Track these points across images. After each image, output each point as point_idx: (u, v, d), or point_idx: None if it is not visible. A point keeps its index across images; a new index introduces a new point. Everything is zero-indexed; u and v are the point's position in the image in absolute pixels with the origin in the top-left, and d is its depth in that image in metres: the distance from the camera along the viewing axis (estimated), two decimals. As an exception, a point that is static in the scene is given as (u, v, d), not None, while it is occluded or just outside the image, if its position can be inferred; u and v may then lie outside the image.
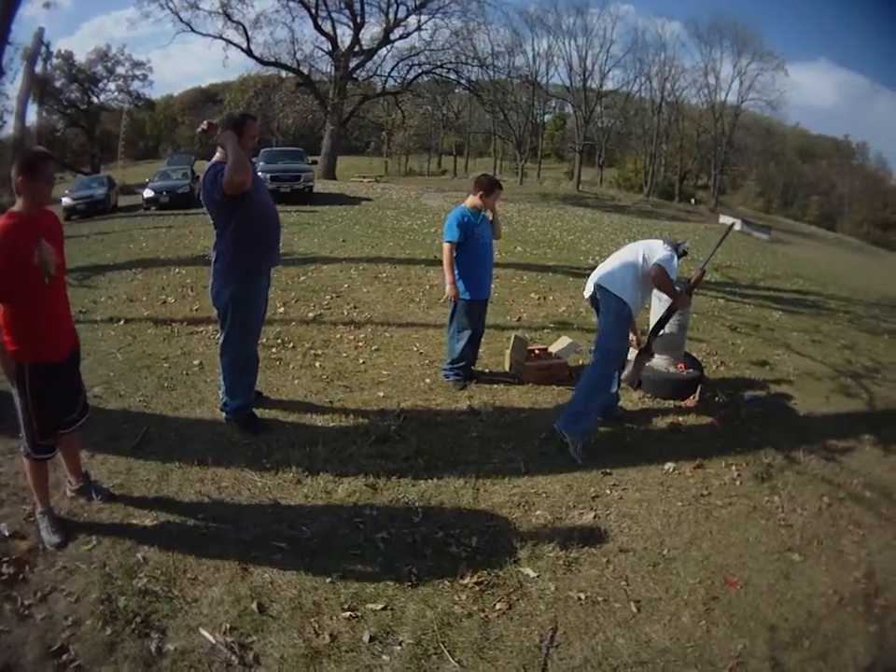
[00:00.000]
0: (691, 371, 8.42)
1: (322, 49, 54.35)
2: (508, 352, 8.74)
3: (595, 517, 5.54)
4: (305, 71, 54.11)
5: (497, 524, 5.34)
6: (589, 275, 7.08)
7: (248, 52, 52.85)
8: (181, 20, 50.84)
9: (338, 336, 9.81)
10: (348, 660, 3.95)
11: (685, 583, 4.84)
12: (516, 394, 8.01)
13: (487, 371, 8.70)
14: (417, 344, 9.58)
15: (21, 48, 21.21)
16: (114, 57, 75.82)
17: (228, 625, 4.08)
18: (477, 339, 8.29)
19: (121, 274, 13.84)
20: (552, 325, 10.96)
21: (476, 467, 6.19)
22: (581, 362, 8.91)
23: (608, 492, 5.96)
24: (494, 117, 77.08)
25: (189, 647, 3.94)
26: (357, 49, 53.89)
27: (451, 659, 4.01)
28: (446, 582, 4.59)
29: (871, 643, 4.46)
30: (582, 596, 4.59)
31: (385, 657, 3.98)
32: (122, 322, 10.09)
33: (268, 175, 28.78)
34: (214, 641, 3.98)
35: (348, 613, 4.25)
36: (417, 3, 53.30)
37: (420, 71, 56.60)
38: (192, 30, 51.85)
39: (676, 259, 6.69)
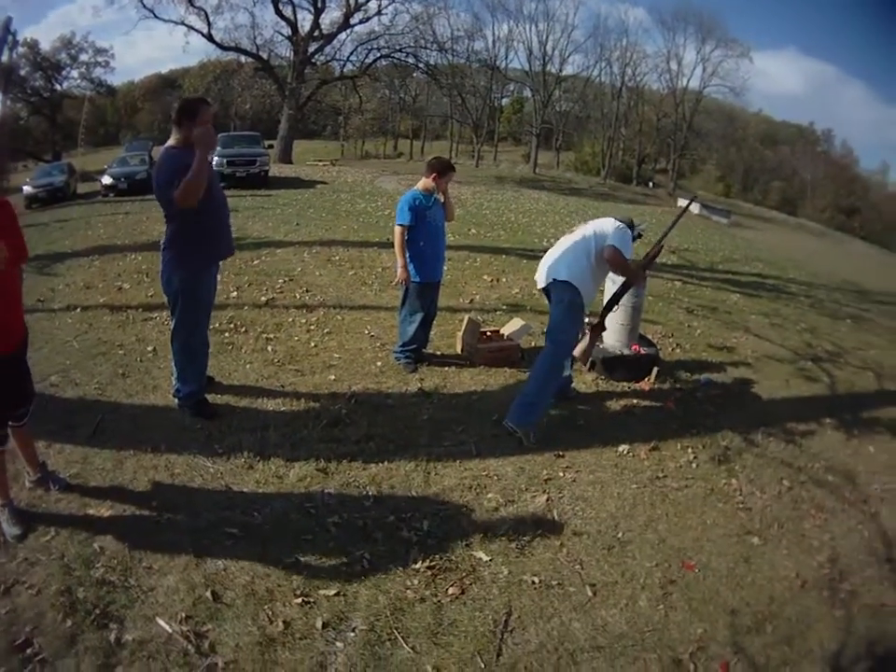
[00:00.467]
0: (645, 352, 8.38)
1: (282, 34, 54.19)
2: (460, 334, 8.63)
3: (547, 500, 5.49)
4: (264, 56, 53.94)
5: (449, 507, 5.30)
6: (542, 258, 6.98)
7: (209, 38, 52.51)
8: (144, 6, 50.38)
9: (290, 320, 9.75)
10: (302, 647, 3.93)
11: (641, 567, 4.79)
12: (468, 376, 7.98)
13: (439, 353, 8.66)
14: (369, 327, 9.52)
15: None
16: (78, 44, 75.90)
17: (183, 614, 4.05)
18: (429, 321, 8.24)
19: (79, 262, 13.75)
20: (504, 307, 10.94)
21: (427, 450, 6.12)
22: (533, 344, 8.90)
23: (560, 474, 5.92)
24: (451, 100, 77.35)
25: (146, 637, 3.91)
26: (316, 33, 53.72)
27: (405, 645, 3.98)
28: (398, 567, 4.55)
29: (837, 628, 4.46)
30: (536, 580, 4.55)
31: (338, 644, 3.96)
32: (79, 310, 9.99)
33: (224, 160, 29.16)
34: (170, 630, 3.95)
35: (301, 599, 4.22)
36: (378, -13, 53.16)
37: (379, 55, 56.46)
38: (155, 16, 51.41)
39: (630, 234, 6.61)
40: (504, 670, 3.90)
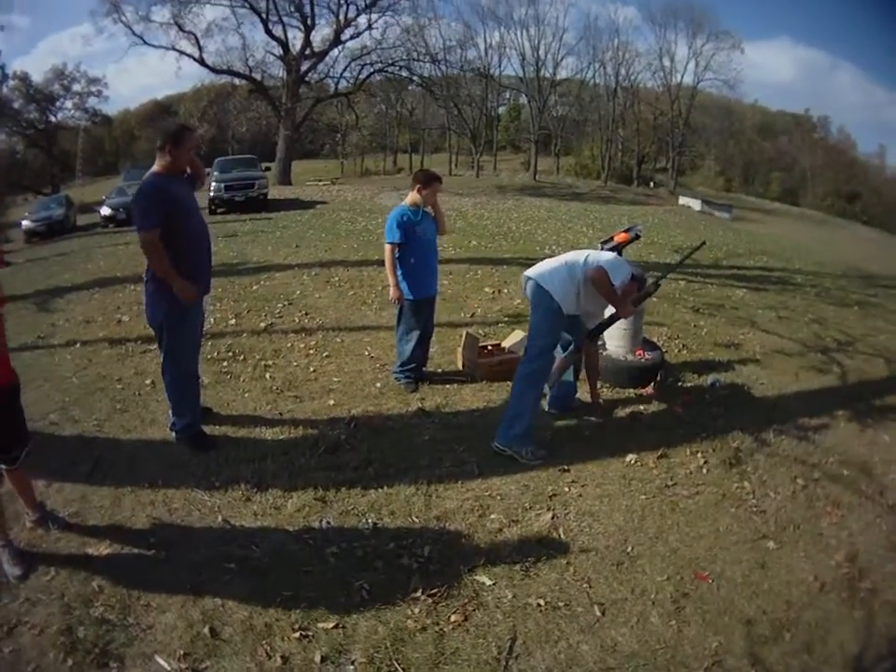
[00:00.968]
0: (650, 356, 8.18)
1: (273, 54, 54.31)
2: (460, 350, 8.49)
3: (553, 517, 5.31)
4: (258, 77, 54.06)
5: (451, 531, 5.15)
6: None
7: (201, 62, 52.72)
8: (134, 33, 50.59)
9: (289, 345, 9.66)
10: (301, 682, 3.84)
11: (652, 581, 4.61)
12: (469, 392, 7.83)
13: (440, 370, 8.52)
14: (369, 348, 9.41)
15: None
16: (70, 74, 75.64)
17: (182, 651, 3.94)
18: (426, 339, 8.10)
19: (79, 295, 13.71)
20: (506, 319, 10.81)
21: (428, 472, 5.97)
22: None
23: (566, 490, 5.73)
24: (448, 112, 77.30)
25: None
26: (308, 51, 53.86)
27: (405, 676, 3.86)
28: (398, 596, 4.40)
29: (858, 630, 4.28)
30: (542, 603, 4.39)
31: (337, 677, 3.85)
32: (79, 345, 9.93)
33: (222, 185, 29.17)
34: (169, 668, 3.86)
35: (299, 633, 4.10)
36: (367, 2, 53.40)
37: (372, 70, 56.66)
38: (145, 42, 51.63)
39: (628, 271, 6.42)
40: (509, 698, 3.72)
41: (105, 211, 30.38)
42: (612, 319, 6.81)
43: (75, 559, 4.84)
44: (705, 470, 6.10)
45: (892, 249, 43.65)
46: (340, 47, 55.31)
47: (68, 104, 76.99)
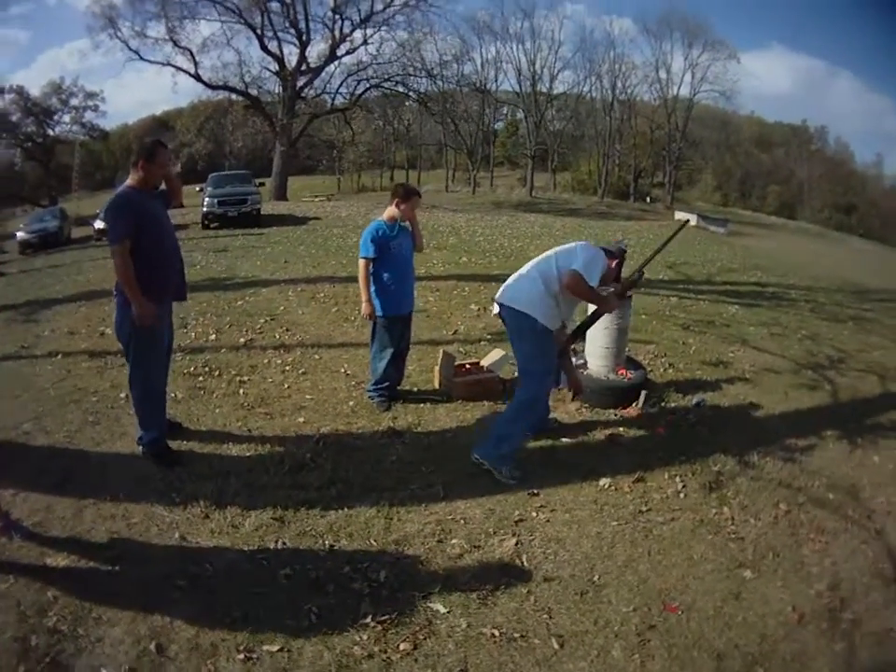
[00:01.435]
0: (633, 375, 8.03)
1: (269, 70, 54.76)
2: (437, 368, 8.37)
3: (517, 543, 5.15)
4: (253, 93, 54.52)
5: (409, 556, 5.02)
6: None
7: (196, 77, 53.28)
8: (129, 48, 51.18)
9: (266, 361, 9.62)
10: (241, 705, 3.89)
11: (617, 612, 4.43)
12: (444, 412, 7.68)
13: (416, 389, 8.38)
14: (346, 365, 9.33)
15: None
16: (68, 89, 76.22)
17: (127, 666, 3.93)
18: (401, 357, 7.98)
19: (66, 307, 13.88)
20: (489, 337, 10.69)
21: (391, 494, 5.85)
22: (515, 374, 8.32)
23: (533, 514, 5.57)
24: (444, 128, 77.80)
25: None
26: (304, 67, 54.26)
27: (348, 705, 3.88)
28: (348, 622, 4.30)
29: (837, 664, 4.10)
30: (497, 633, 4.24)
31: (278, 703, 3.90)
32: (60, 356, 10.01)
33: (215, 200, 29.44)
34: None
35: (244, 655, 4.05)
36: (362, 17, 53.76)
37: (368, 85, 57.04)
38: (141, 58, 52.22)
39: (603, 260, 6.12)
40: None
41: (99, 224, 29.94)
42: (596, 316, 6.71)
43: (33, 569, 4.87)
44: (682, 495, 5.92)
45: (889, 262, 43.69)
46: (336, 62, 55.84)
47: (66, 118, 77.76)
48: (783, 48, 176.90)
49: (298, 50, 53.81)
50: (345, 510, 5.59)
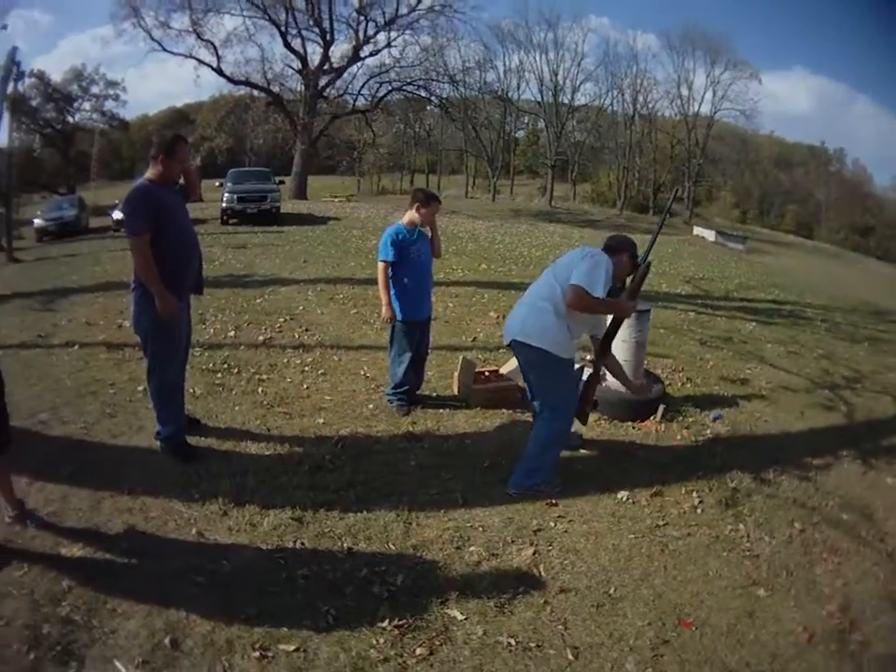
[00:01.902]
0: (651, 389, 7.94)
1: (292, 68, 54.59)
2: (456, 374, 8.33)
3: (535, 553, 5.09)
4: (275, 90, 54.35)
5: (427, 561, 4.98)
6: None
7: (219, 71, 53.14)
8: (152, 38, 51.03)
9: (285, 360, 9.59)
10: (255, 703, 3.85)
11: (632, 626, 4.39)
12: (462, 419, 7.64)
13: (435, 394, 8.35)
14: (366, 368, 9.30)
15: None
16: (89, 76, 76.05)
17: (140, 659, 3.91)
18: (420, 362, 7.98)
19: (84, 298, 13.88)
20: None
21: (410, 498, 5.81)
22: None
23: (552, 525, 5.50)
24: (465, 134, 77.75)
25: None
26: (326, 66, 54.09)
27: (363, 707, 3.85)
28: (364, 624, 4.27)
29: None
30: (513, 642, 4.19)
31: (292, 703, 3.87)
32: (77, 346, 9.98)
33: (234, 196, 29.29)
34: None
35: (259, 653, 4.02)
36: (386, 19, 53.60)
37: (391, 88, 56.89)
38: (164, 49, 52.07)
39: (606, 263, 5.66)
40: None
41: (117, 215, 29.63)
42: (616, 324, 6.27)
43: (48, 558, 4.86)
44: (699, 511, 5.86)
45: (906, 285, 43.48)
46: (359, 63, 55.71)
47: (86, 105, 77.67)
48: (804, 69, 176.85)
49: (321, 49, 53.71)
50: (364, 513, 5.57)
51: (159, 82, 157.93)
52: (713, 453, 7.07)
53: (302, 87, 53.93)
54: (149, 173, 6.13)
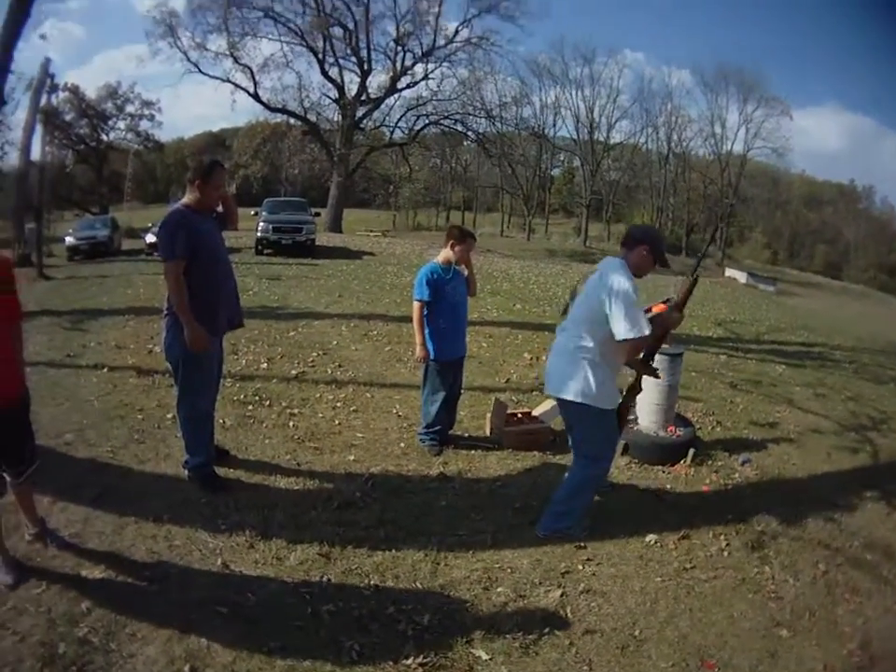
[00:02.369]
0: (681, 433, 7.99)
1: (329, 97, 55.23)
2: (489, 415, 8.34)
3: (562, 595, 5.05)
4: (312, 118, 54.75)
5: (454, 601, 4.95)
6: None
7: (255, 97, 53.83)
8: (189, 59, 52.13)
9: (318, 395, 9.55)
10: (272, 738, 3.90)
11: (655, 667, 4.38)
12: (494, 460, 7.57)
13: (467, 435, 8.26)
14: (398, 406, 9.23)
15: (23, 77, 21.27)
16: (124, 95, 76.07)
17: None
18: (452, 401, 7.93)
19: (114, 320, 13.94)
20: (541, 386, 10.45)
21: (440, 539, 5.77)
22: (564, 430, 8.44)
23: (580, 567, 5.46)
24: (501, 170, 77.61)
25: None
26: (364, 97, 54.43)
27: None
28: (389, 662, 4.24)
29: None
30: (537, 682, 4.17)
31: (312, 739, 3.91)
32: (106, 369, 10.04)
33: (269, 226, 29.22)
34: None
35: None
36: (424, 50, 53.91)
37: (427, 122, 57.27)
38: (200, 71, 53.02)
39: (628, 281, 5.29)
40: None
41: (151, 238, 30.38)
42: (662, 337, 5.95)
43: (67, 578, 4.91)
44: (726, 553, 5.84)
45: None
46: (396, 95, 56.28)
47: (121, 124, 77.61)
48: (836, 104, 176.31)
49: (358, 79, 54.28)
50: (393, 551, 5.55)
51: (193, 105, 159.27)
52: (741, 496, 7.04)
53: (339, 117, 54.48)
54: (186, 198, 6.18)
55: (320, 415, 8.73)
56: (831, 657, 4.57)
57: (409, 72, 55.65)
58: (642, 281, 5.60)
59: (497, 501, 6.57)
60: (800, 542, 6.14)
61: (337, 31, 54.16)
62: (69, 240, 32.85)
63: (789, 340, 19.03)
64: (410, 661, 4.23)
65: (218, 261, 6.34)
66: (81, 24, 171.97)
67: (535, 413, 8.46)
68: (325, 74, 54.43)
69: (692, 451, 7.80)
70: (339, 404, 9.21)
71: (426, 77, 55.91)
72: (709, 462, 7.83)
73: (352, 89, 54.94)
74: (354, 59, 54.81)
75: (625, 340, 5.23)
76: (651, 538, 5.97)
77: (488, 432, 8.29)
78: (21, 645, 4.17)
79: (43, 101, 25.15)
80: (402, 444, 7.88)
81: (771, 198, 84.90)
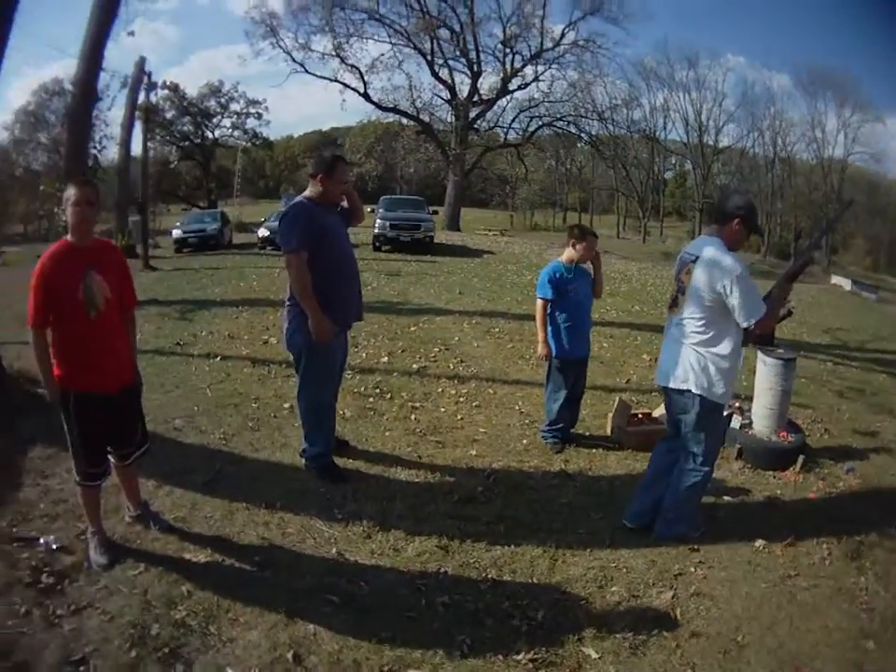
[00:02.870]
0: (792, 439, 7.97)
1: (441, 97, 55.05)
2: (610, 415, 8.32)
3: (673, 597, 5.07)
4: (425, 119, 54.56)
5: (569, 598, 4.96)
6: None
7: (366, 97, 53.82)
8: (294, 59, 52.47)
9: (439, 390, 9.69)
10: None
11: (753, 673, 4.47)
12: (614, 460, 7.60)
13: (588, 434, 8.28)
14: (520, 403, 9.26)
15: (116, 74, 21.74)
16: (227, 93, 76.89)
17: (257, 670, 4.01)
18: (575, 400, 7.96)
19: (226, 311, 14.35)
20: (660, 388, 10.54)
21: (558, 536, 5.78)
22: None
23: (692, 570, 5.47)
24: (616, 173, 77.21)
25: None
26: (476, 98, 54.21)
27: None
28: (500, 656, 4.25)
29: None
30: (642, 683, 4.19)
31: (416, 730, 3.92)
32: (219, 358, 10.37)
33: (387, 223, 29.58)
34: None
35: None
36: (532, 53, 53.45)
37: (541, 123, 56.79)
38: (306, 71, 53.32)
39: (736, 267, 5.18)
40: None
41: (263, 233, 31.21)
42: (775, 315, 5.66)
43: (169, 561, 5.04)
44: (827, 562, 5.77)
45: None
46: (507, 97, 55.78)
47: (226, 122, 78.42)
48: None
49: (469, 80, 53.96)
50: (512, 546, 5.54)
51: (301, 104, 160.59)
52: (844, 505, 6.96)
53: (452, 117, 54.31)
54: (308, 191, 6.30)
55: (442, 410, 8.87)
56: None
57: (519, 74, 55.30)
58: (757, 284, 5.41)
59: (617, 501, 6.52)
60: (894, 554, 6.05)
61: (444, 33, 54.08)
62: (176, 233, 33.60)
63: (890, 349, 18.52)
64: (520, 656, 4.25)
65: (343, 254, 6.41)
66: (173, 25, 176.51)
67: (654, 414, 8.49)
68: (435, 75, 54.34)
69: (801, 457, 7.77)
70: (461, 399, 9.33)
71: (536, 80, 55.59)
72: (817, 469, 7.78)
73: (463, 90, 54.78)
74: (463, 60, 54.61)
75: (750, 324, 5.22)
76: (759, 543, 5.94)
77: (609, 432, 8.28)
78: (110, 625, 4.29)
79: (141, 98, 25.62)
80: (525, 441, 7.95)
81: (870, 204, 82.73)
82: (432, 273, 22.78)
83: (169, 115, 71.46)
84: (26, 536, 5.34)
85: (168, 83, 58.49)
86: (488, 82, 56.69)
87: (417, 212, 32.70)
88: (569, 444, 7.84)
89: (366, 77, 53.71)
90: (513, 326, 14.14)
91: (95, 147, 18.53)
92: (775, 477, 7.51)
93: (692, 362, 5.45)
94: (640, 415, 8.46)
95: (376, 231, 30.42)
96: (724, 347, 5.40)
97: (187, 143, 76.20)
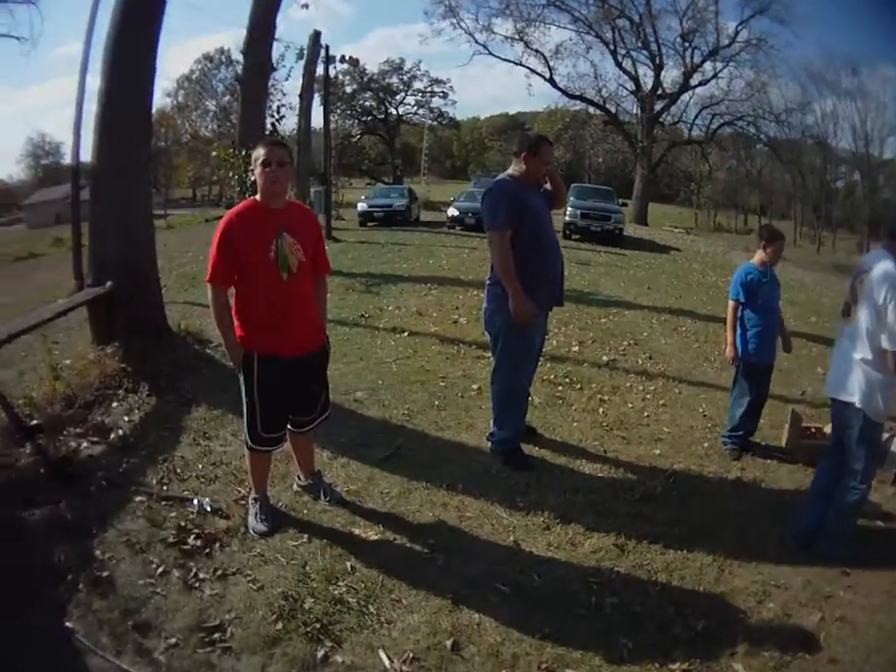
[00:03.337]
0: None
1: (626, 88, 54.28)
2: (786, 426, 7.95)
3: (821, 619, 4.75)
4: (611, 109, 54.27)
5: (729, 610, 4.78)
6: None
7: (552, 83, 53.39)
8: (476, 41, 52.49)
9: (628, 384, 9.53)
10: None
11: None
12: (786, 472, 7.23)
13: (763, 443, 7.85)
14: (704, 405, 9.00)
15: (292, 45, 22.05)
16: (410, 71, 77.72)
17: (411, 655, 3.94)
18: (757, 407, 7.62)
19: (414, 287, 14.56)
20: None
21: (729, 546, 5.51)
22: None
23: (840, 594, 5.09)
24: (792, 178, 74.70)
25: (359, 664, 3.90)
26: (660, 91, 53.37)
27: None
28: (655, 664, 4.09)
29: None
30: (777, 707, 4.07)
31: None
32: (406, 334, 10.56)
33: (578, 212, 29.59)
34: (388, 666, 3.88)
35: None
36: (710, 48, 52.36)
37: (722, 121, 55.81)
38: (490, 53, 53.25)
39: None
40: None
41: (453, 212, 31.65)
42: None
43: (336, 535, 5.07)
44: None
45: None
46: (690, 92, 54.55)
47: (410, 99, 79.26)
48: None
49: (652, 73, 53.13)
50: (684, 551, 5.38)
51: (486, 86, 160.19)
52: None
53: (638, 109, 53.61)
54: (511, 169, 6.32)
55: (629, 405, 8.73)
56: None
57: (699, 70, 54.00)
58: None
59: (785, 515, 6.13)
60: None
61: (624, 23, 53.30)
62: (362, 206, 33.79)
63: None
64: (675, 666, 4.12)
65: (546, 235, 6.35)
66: (347, 2, 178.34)
67: (826, 430, 7.90)
68: (619, 65, 53.47)
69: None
70: (648, 396, 9.17)
71: (715, 76, 54.11)
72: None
73: (647, 82, 53.77)
74: (645, 52, 53.71)
75: (893, 348, 4.91)
76: (904, 573, 5.73)
77: (783, 443, 7.85)
78: (258, 594, 4.34)
79: (320, 70, 26.03)
80: (706, 444, 7.75)
81: None
82: (621, 265, 22.62)
83: (349, 89, 72.63)
84: (177, 495, 5.48)
85: (349, 57, 59.93)
86: (670, 76, 55.82)
87: (607, 203, 32.34)
88: (746, 452, 7.55)
89: (551, 63, 53.49)
90: (699, 326, 13.99)
91: (273, 116, 18.81)
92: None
93: (857, 375, 5.20)
94: (813, 429, 7.97)
95: (567, 219, 30.14)
96: (884, 363, 5.07)
97: (369, 118, 77.38)
